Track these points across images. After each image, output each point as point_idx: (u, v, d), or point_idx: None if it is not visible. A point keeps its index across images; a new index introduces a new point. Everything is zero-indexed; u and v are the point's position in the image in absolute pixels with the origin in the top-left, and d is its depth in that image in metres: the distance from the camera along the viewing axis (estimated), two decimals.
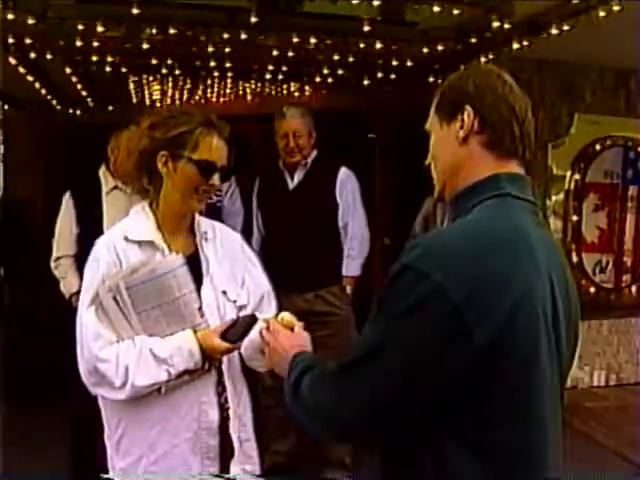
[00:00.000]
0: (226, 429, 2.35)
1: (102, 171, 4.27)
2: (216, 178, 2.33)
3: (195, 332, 2.25)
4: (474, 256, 1.47)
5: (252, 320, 2.27)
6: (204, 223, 2.48)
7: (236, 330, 2.24)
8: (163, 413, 2.28)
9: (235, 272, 2.45)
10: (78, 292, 2.42)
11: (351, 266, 4.44)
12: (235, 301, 2.40)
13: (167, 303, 2.22)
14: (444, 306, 1.42)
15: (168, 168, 2.32)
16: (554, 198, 6.29)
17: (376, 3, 4.07)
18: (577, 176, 6.29)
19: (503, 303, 1.44)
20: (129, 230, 2.35)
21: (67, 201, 4.26)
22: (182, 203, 2.35)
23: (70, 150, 7.71)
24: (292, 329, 2.04)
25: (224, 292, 2.38)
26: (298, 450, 4.50)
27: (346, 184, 4.39)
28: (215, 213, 4.85)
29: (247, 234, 4.50)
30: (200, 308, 2.29)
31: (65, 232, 4.25)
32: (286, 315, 2.17)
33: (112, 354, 2.20)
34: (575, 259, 6.31)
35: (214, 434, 2.33)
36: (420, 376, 1.45)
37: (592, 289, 6.39)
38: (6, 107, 8.01)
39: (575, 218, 6.31)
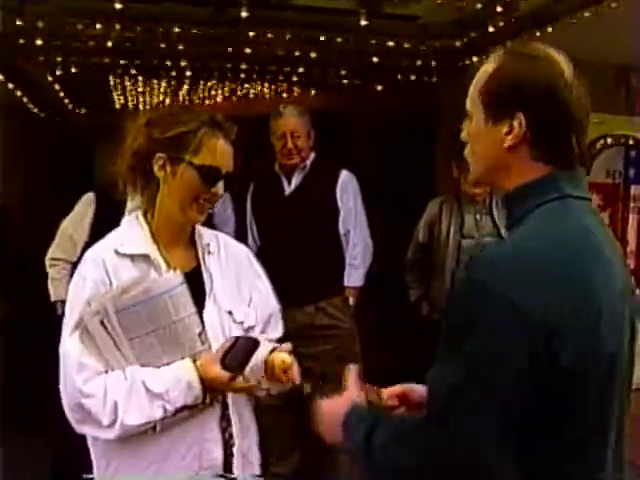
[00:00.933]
0: (230, 468, 2.09)
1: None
2: (220, 186, 2.07)
3: (195, 361, 1.98)
4: (549, 270, 1.34)
5: (254, 346, 2.00)
6: (206, 234, 2.21)
7: (236, 356, 1.96)
8: (159, 452, 2.01)
9: (242, 289, 2.19)
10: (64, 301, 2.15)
11: (353, 276, 4.19)
12: (242, 322, 2.13)
13: (163, 328, 1.95)
14: (524, 327, 1.29)
15: (166, 172, 2.05)
16: None
17: None
18: None
19: (586, 315, 1.34)
20: (120, 242, 2.08)
21: (88, 203, 3.92)
22: (179, 213, 2.07)
23: (56, 156, 7.47)
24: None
25: (230, 312, 2.11)
26: (301, 472, 4.25)
27: (347, 188, 4.13)
28: (205, 221, 4.59)
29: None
30: (201, 333, 2.01)
31: (75, 235, 3.85)
32: (285, 357, 2.06)
33: (99, 388, 1.92)
34: None
35: (218, 474, 2.07)
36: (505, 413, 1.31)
37: None
38: None
39: None
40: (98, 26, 4.45)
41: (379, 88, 6.31)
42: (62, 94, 7.43)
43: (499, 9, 4.13)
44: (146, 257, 2.06)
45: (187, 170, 2.04)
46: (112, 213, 3.69)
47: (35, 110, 7.84)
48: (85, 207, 3.91)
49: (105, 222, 3.70)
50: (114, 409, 1.91)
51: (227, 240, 2.28)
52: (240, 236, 4.37)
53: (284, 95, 7.27)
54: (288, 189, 4.11)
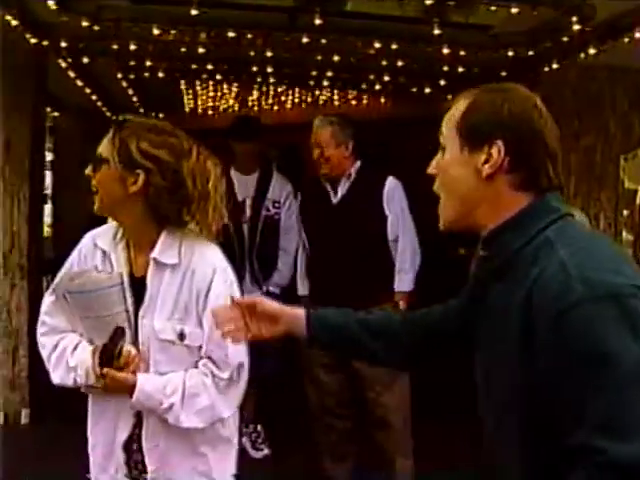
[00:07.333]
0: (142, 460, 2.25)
1: None
2: (88, 168, 2.25)
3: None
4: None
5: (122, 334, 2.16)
6: (170, 246, 2.21)
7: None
8: (94, 416, 2.33)
9: (190, 310, 2.20)
10: None
11: (403, 281, 4.16)
12: (172, 341, 2.18)
13: (94, 318, 2.21)
14: None
15: None
16: (625, 212, 5.96)
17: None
18: None
19: None
20: (100, 235, 2.33)
21: None
22: None
23: None
24: None
25: (153, 328, 2.19)
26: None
27: (393, 195, 4.12)
28: (274, 226, 4.70)
29: None
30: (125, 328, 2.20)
31: None
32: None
33: (50, 343, 2.29)
34: None
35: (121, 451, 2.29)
36: None
37: None
38: (56, 114, 7.92)
39: None
40: (172, 31, 4.52)
41: (449, 97, 6.27)
42: (135, 97, 7.57)
43: (574, 18, 4.06)
44: (108, 254, 2.27)
45: None
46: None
47: (108, 114, 8.00)
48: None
49: None
50: (49, 364, 2.29)
51: (201, 257, 2.23)
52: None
53: (353, 102, 7.26)
54: (335, 198, 4.13)
